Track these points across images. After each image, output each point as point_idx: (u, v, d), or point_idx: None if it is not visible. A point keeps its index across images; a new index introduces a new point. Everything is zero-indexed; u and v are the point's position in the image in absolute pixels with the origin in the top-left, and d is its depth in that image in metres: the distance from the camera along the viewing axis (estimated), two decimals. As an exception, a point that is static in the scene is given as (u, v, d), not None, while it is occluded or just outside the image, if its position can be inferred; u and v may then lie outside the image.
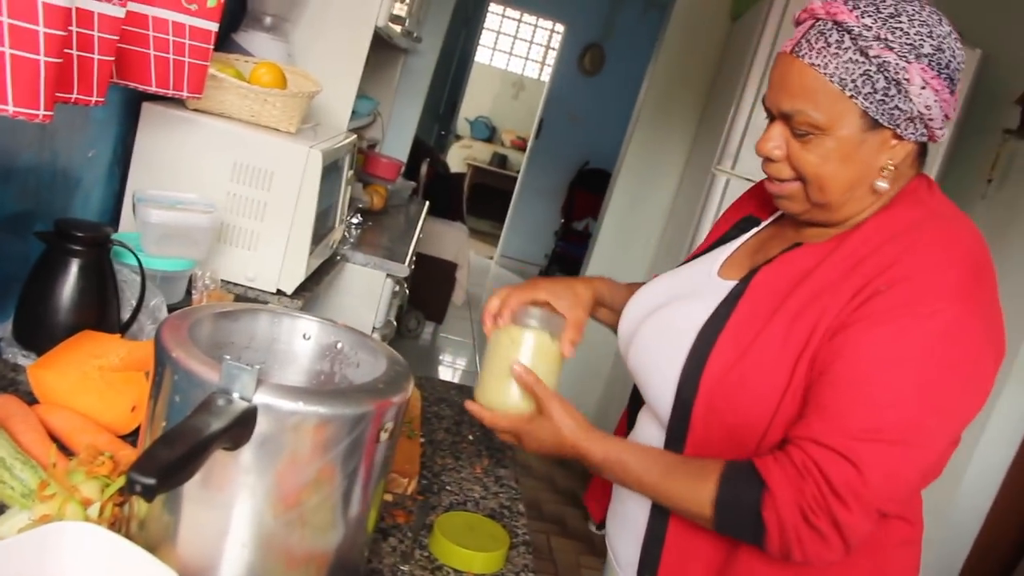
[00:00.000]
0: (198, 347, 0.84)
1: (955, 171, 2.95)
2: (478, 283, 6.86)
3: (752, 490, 0.96)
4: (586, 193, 6.93)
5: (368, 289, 2.34)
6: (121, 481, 0.93)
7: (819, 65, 0.99)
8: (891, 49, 0.97)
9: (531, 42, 9.53)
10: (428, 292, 4.72)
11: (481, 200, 8.66)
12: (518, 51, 9.53)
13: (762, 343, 1.02)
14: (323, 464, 0.81)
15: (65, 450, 1.06)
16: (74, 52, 1.10)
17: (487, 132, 9.40)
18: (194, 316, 0.90)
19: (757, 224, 1.24)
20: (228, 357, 0.76)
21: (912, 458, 0.94)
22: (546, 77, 8.53)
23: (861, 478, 0.91)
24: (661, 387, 1.12)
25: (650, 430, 1.18)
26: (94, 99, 1.16)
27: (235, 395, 0.75)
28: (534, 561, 1.19)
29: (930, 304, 0.94)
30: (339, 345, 1.01)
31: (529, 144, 7.72)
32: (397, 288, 2.48)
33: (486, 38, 9.01)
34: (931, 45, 0.98)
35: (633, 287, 1.36)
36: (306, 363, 1.02)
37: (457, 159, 8.82)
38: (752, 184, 1.35)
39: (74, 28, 1.09)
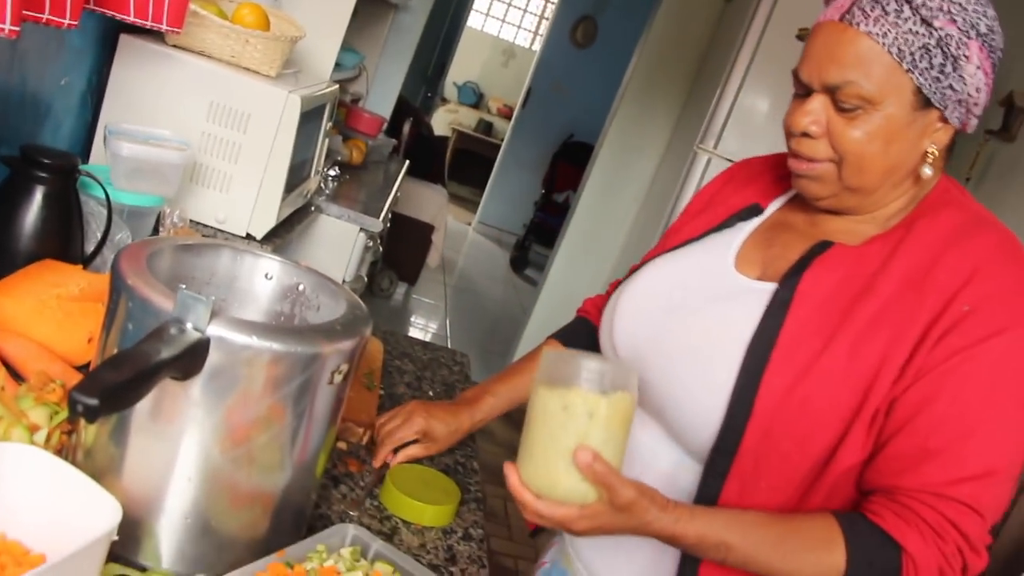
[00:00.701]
0: (156, 277, 0.83)
1: (933, 168, 2.97)
2: (454, 248, 6.84)
3: (888, 556, 0.89)
4: (569, 166, 6.91)
5: (340, 242, 2.33)
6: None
7: (876, 34, 0.92)
8: (954, 23, 0.91)
9: (525, 10, 9.44)
10: (403, 252, 4.70)
11: (463, 165, 8.62)
12: (511, 18, 9.44)
13: (826, 363, 0.94)
14: (273, 401, 0.81)
15: (18, 377, 1.05)
16: (48, -29, 1.07)
17: (474, 98, 9.33)
18: (154, 246, 0.89)
19: (759, 212, 1.15)
20: (183, 287, 0.75)
21: (1013, 487, 0.91)
22: (537, 47, 8.46)
23: (984, 523, 0.89)
24: (699, 408, 0.99)
25: (640, 434, 1.05)
26: (67, 21, 1.13)
27: (188, 325, 0.74)
28: (489, 524, 1.20)
29: (1016, 321, 0.90)
30: (301, 287, 1.01)
31: (515, 113, 7.67)
32: (370, 244, 2.47)
33: (480, 3, 8.91)
34: (986, 25, 0.93)
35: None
36: (266, 303, 1.02)
37: (442, 123, 8.75)
38: (734, 162, 1.27)
39: (49, -54, 1.06)
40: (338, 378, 0.84)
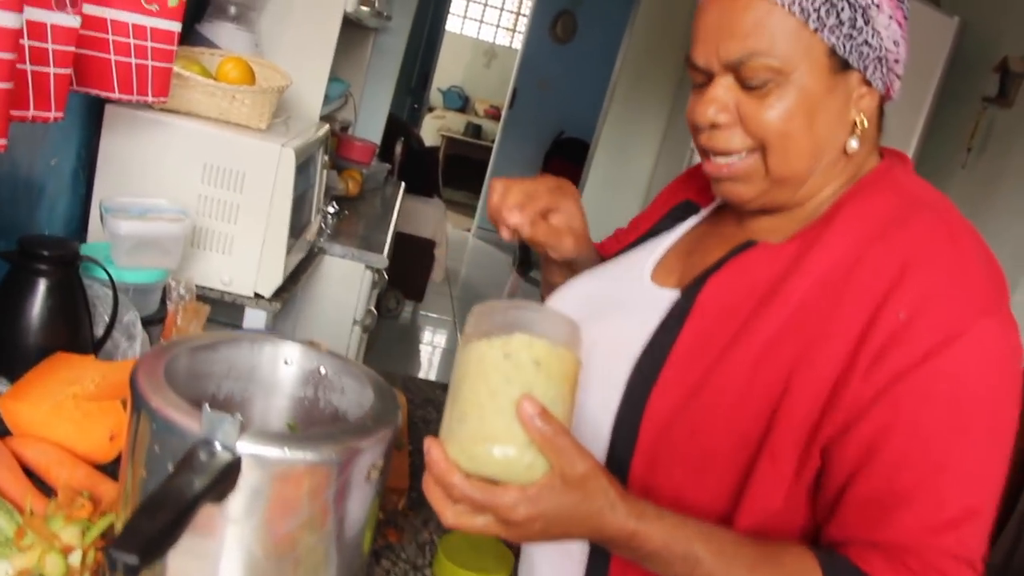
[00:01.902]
0: (176, 384, 0.80)
1: (934, 141, 2.94)
2: (456, 257, 6.81)
3: None
4: (562, 162, 6.87)
5: (347, 281, 2.30)
6: (103, 524, 0.90)
7: None
8: None
9: (502, 9, 9.39)
10: (406, 271, 4.67)
11: (456, 171, 8.57)
12: (489, 18, 9.39)
13: (720, 379, 0.80)
14: (312, 509, 0.78)
15: (41, 484, 1.02)
16: (27, 67, 1.04)
17: (460, 102, 9.29)
18: (169, 354, 0.86)
19: (696, 211, 1.03)
20: (208, 405, 0.72)
21: (994, 512, 0.77)
22: (518, 44, 8.41)
23: (974, 570, 0.76)
24: (589, 429, 0.86)
25: None
26: (52, 115, 1.10)
27: (217, 445, 0.72)
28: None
29: (967, 323, 0.75)
30: (322, 370, 0.98)
31: (503, 114, 7.62)
32: (376, 278, 2.44)
33: (456, 5, 8.86)
34: None
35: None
36: (289, 389, 0.99)
37: (430, 130, 8.71)
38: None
39: (25, 42, 1.03)
40: (375, 473, 0.82)
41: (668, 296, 0.91)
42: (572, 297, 1.02)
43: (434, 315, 5.33)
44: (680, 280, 0.94)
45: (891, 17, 0.82)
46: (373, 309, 2.57)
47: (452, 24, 8.88)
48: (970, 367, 0.75)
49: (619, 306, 0.95)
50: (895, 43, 0.84)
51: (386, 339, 4.52)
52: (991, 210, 2.70)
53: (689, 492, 0.82)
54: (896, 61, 0.85)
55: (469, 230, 7.87)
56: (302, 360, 0.97)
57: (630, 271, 1.00)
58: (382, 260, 2.31)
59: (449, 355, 4.85)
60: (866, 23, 0.81)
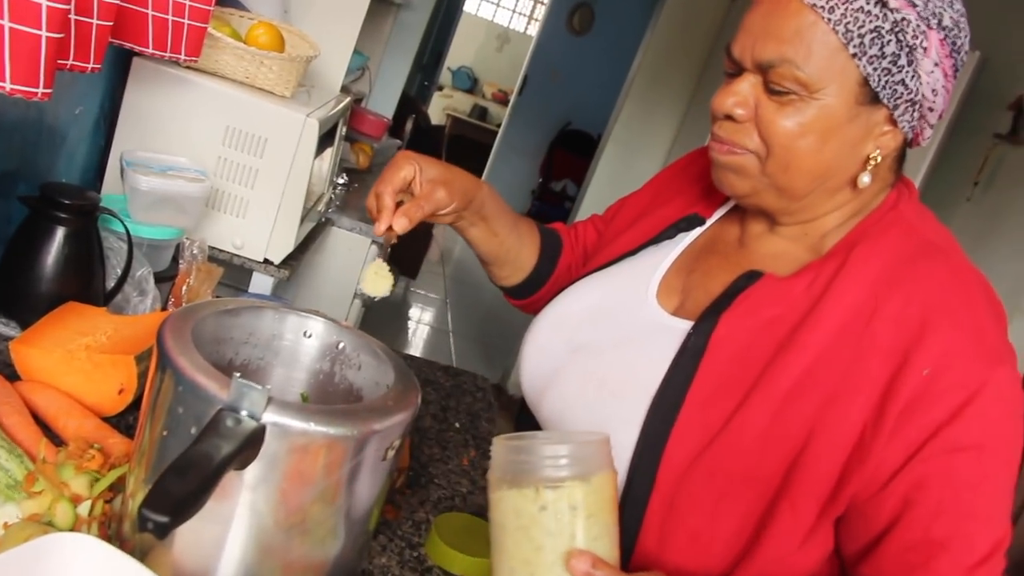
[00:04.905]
0: (201, 347, 0.81)
1: (942, 171, 2.96)
2: (451, 236, 6.79)
3: None
4: (566, 154, 6.89)
5: (352, 254, 2.30)
6: (112, 476, 0.91)
7: (822, 7, 0.78)
8: (914, 7, 0.79)
9: (519, -7, 9.35)
10: (405, 248, 4.66)
11: (459, 151, 8.55)
12: (506, 3, 9.35)
13: (739, 425, 0.82)
14: (328, 483, 0.79)
15: (49, 431, 1.03)
16: (72, 17, 1.04)
17: (469, 83, 9.26)
18: (197, 315, 0.87)
19: (700, 223, 1.03)
20: (238, 375, 0.73)
21: (1011, 532, 0.82)
22: (532, 31, 8.38)
23: None
24: None
25: None
26: (90, 66, 1.10)
27: (243, 413, 0.73)
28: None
29: (986, 375, 0.78)
30: (341, 345, 0.99)
31: (512, 100, 7.62)
32: (380, 254, 2.44)
33: (474, -14, 8.83)
34: (951, 18, 0.81)
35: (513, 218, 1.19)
36: (306, 361, 1.00)
37: (437, 108, 8.68)
38: (699, 148, 1.10)
39: (74, -9, 1.03)
40: (391, 453, 0.83)
41: (678, 328, 0.91)
42: (575, 308, 1.02)
43: (428, 294, 5.34)
44: (682, 302, 0.95)
45: (937, 64, 0.81)
46: (373, 284, 2.57)
47: (469, 5, 8.84)
48: (991, 416, 0.79)
49: (624, 338, 0.95)
50: (933, 91, 0.82)
51: (377, 312, 4.52)
52: (992, 244, 2.73)
53: (706, 532, 0.84)
54: (930, 110, 0.84)
55: (467, 212, 7.86)
56: (323, 334, 0.98)
57: (632, 288, 1.00)
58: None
59: (436, 334, 4.86)
60: (908, 63, 0.80)
